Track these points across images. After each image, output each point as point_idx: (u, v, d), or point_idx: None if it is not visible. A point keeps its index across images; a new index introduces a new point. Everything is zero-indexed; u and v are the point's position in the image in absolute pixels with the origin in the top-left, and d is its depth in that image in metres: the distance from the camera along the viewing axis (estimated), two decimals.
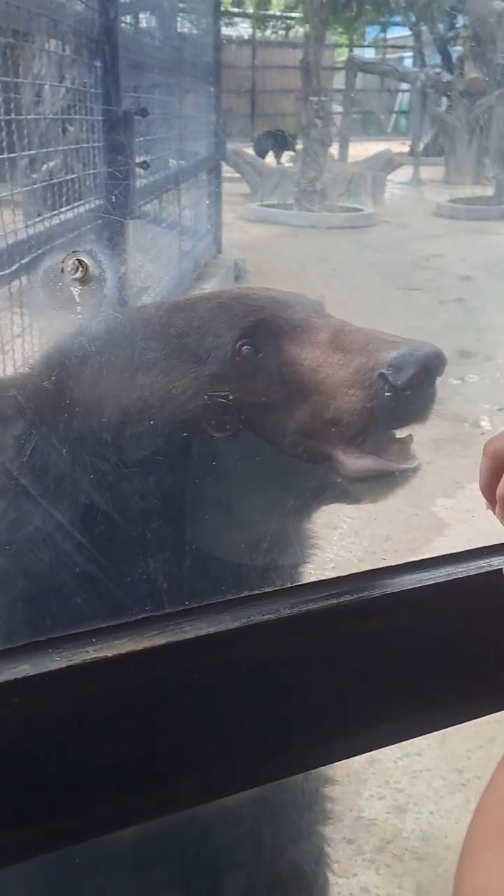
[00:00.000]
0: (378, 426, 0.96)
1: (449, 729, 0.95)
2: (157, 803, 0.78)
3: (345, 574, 0.87)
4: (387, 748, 2.31)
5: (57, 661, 0.72)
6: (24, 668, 0.71)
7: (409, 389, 0.93)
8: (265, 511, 1.01)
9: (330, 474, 0.97)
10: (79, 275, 0.83)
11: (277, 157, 11.79)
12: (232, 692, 0.80)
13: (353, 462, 0.95)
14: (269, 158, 11.70)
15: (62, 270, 0.83)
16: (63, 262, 0.83)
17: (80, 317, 0.86)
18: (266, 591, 0.82)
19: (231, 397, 0.94)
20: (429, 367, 0.94)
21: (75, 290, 0.84)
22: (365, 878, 1.93)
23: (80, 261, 0.83)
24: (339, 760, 0.99)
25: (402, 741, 0.94)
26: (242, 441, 0.96)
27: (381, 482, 0.98)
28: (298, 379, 0.96)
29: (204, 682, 0.77)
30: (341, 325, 1.03)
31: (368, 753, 2.30)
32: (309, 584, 0.85)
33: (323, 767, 1.36)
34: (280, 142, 11.67)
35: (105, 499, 0.85)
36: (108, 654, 0.74)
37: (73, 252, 0.83)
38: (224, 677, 0.79)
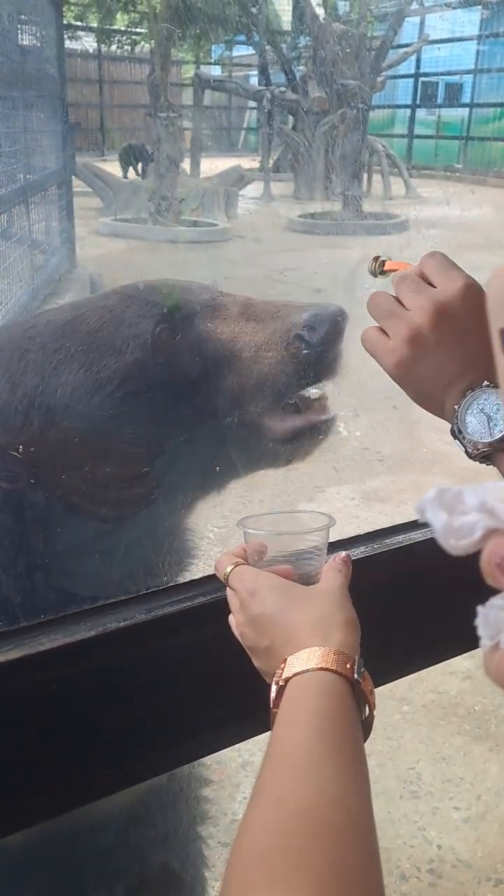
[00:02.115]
0: (298, 385, 1.03)
1: None
2: (17, 815, 0.78)
3: (199, 577, 0.90)
4: (258, 750, 2.36)
5: None
6: None
7: (323, 346, 1.01)
8: (185, 491, 1.04)
9: (261, 442, 1.01)
10: None
11: (142, 169, 11.78)
12: (90, 701, 0.81)
13: (280, 424, 1.01)
14: (130, 172, 11.66)
15: None
16: None
17: None
18: (121, 598, 0.84)
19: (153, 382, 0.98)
20: (339, 323, 1.02)
21: None
22: None
23: None
24: (196, 759, 1.01)
25: (263, 733, 0.97)
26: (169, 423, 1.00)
27: (307, 439, 1.06)
28: (219, 352, 1.03)
29: (61, 693, 0.78)
30: (247, 299, 1.10)
31: (241, 757, 2.34)
32: (164, 588, 0.87)
33: (197, 769, 1.39)
34: (142, 155, 11.66)
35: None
36: None
37: None
38: (81, 687, 0.80)
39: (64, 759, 0.80)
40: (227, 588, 0.84)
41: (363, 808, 0.64)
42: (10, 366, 1.01)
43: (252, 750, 2.35)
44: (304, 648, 0.73)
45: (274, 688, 0.73)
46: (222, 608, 0.86)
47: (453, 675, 2.65)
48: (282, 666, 0.73)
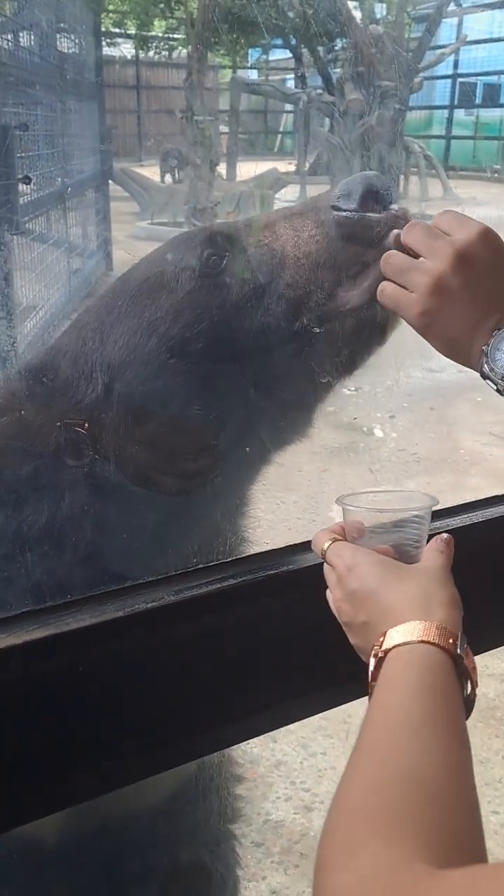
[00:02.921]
0: (355, 255, 0.97)
1: (352, 726, 0.97)
2: (43, 799, 0.77)
3: (228, 559, 0.88)
4: (291, 750, 2.33)
5: None
6: None
7: (363, 206, 0.96)
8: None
9: (341, 325, 0.98)
10: None
11: (179, 174, 11.88)
12: (118, 682, 0.79)
13: (353, 294, 0.97)
14: (166, 177, 11.74)
15: None
16: None
17: None
18: (149, 579, 0.82)
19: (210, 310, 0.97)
20: (372, 182, 0.97)
21: None
22: (274, 880, 1.94)
23: None
24: (231, 745, 0.99)
25: (294, 722, 0.95)
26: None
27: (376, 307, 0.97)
28: (268, 256, 1.00)
29: (89, 673, 0.76)
30: (276, 210, 1.09)
31: (274, 756, 2.32)
32: (193, 569, 0.85)
33: (230, 766, 1.36)
34: (179, 159, 11.76)
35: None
36: None
37: None
38: (109, 667, 0.78)
39: (91, 742, 0.78)
40: (325, 564, 0.84)
41: (468, 778, 0.64)
42: (71, 341, 1.02)
43: (285, 750, 2.32)
44: (405, 622, 0.72)
45: (372, 660, 0.72)
46: (251, 590, 0.84)
47: (492, 677, 2.60)
48: (381, 639, 0.73)
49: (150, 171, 11.69)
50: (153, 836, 1.14)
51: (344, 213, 0.97)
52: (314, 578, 0.86)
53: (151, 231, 9.33)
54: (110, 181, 8.50)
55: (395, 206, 0.99)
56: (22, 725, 0.74)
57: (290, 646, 0.89)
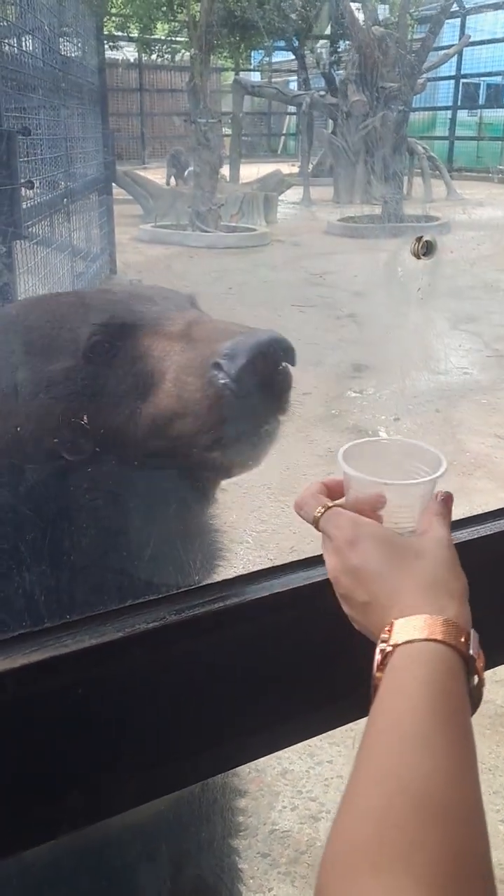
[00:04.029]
0: (228, 420, 0.92)
1: (358, 734, 0.95)
2: (42, 824, 0.75)
3: (229, 577, 0.86)
4: (297, 758, 2.32)
5: None
6: None
7: (245, 378, 0.89)
8: (148, 508, 0.98)
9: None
10: None
11: (182, 176, 11.89)
12: (118, 704, 0.77)
13: (213, 447, 0.92)
14: (161, 178, 11.75)
15: None
16: None
17: None
18: (150, 598, 0.80)
19: (83, 395, 0.92)
20: (263, 354, 0.89)
21: None
22: (280, 891, 1.92)
23: None
24: (232, 767, 0.97)
25: (299, 741, 0.93)
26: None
27: (240, 447, 0.94)
28: (148, 371, 0.93)
29: (88, 695, 0.75)
30: (197, 317, 1.01)
31: (280, 765, 2.30)
32: (193, 588, 0.83)
33: (232, 780, 1.34)
34: (182, 162, 11.77)
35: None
36: None
37: None
38: (109, 690, 0.77)
39: (89, 765, 0.77)
40: (318, 530, 0.79)
41: (475, 789, 0.60)
42: None
43: (291, 758, 2.30)
44: (414, 615, 0.69)
45: (379, 654, 0.69)
46: (253, 608, 0.83)
47: (498, 682, 2.57)
48: (388, 629, 0.69)
49: (154, 174, 11.70)
50: (149, 851, 1.12)
51: (221, 381, 0.89)
52: (316, 596, 0.84)
53: (155, 234, 9.34)
54: (114, 184, 8.50)
55: (288, 367, 0.93)
56: (19, 749, 0.73)
57: (292, 664, 0.87)
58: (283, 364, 0.93)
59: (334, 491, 0.84)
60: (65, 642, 0.75)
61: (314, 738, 2.43)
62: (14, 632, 0.73)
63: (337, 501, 0.82)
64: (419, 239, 0.88)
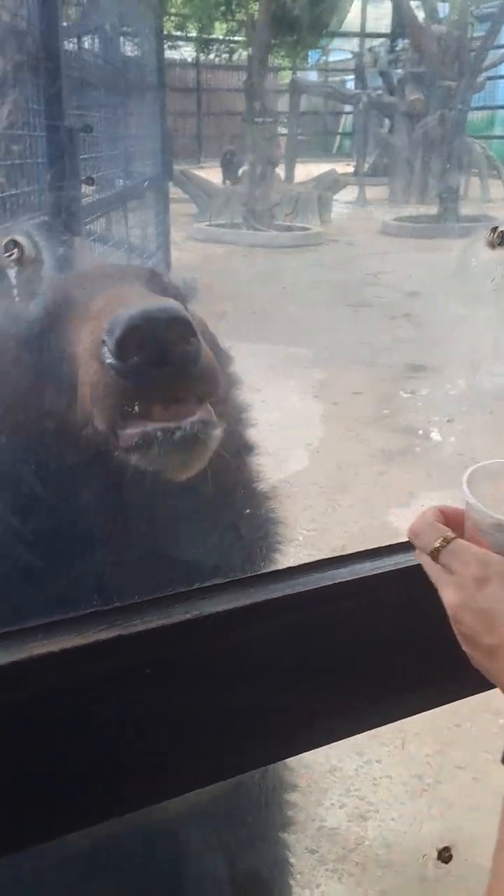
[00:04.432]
0: (125, 396, 0.81)
1: (407, 734, 0.94)
2: (109, 804, 0.76)
3: (298, 564, 0.86)
4: (346, 756, 2.31)
5: (1, 656, 0.70)
6: None
7: (125, 354, 0.79)
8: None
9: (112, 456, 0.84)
10: (14, 256, 0.81)
11: (237, 175, 11.94)
12: (186, 685, 0.78)
13: (123, 433, 0.82)
14: (217, 178, 11.82)
15: None
16: None
17: (17, 299, 0.83)
18: (217, 582, 0.81)
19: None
20: (140, 326, 0.78)
21: (11, 272, 0.81)
22: (328, 888, 1.91)
23: (15, 241, 0.81)
24: (284, 758, 0.97)
25: (370, 729, 0.92)
26: None
27: (161, 449, 0.82)
28: (71, 357, 0.86)
29: (156, 675, 0.75)
30: (118, 291, 0.90)
31: (328, 762, 2.29)
32: (261, 574, 0.84)
33: (283, 772, 1.34)
34: (238, 161, 11.82)
35: (48, 489, 0.82)
36: (55, 650, 0.72)
37: (8, 233, 0.80)
38: (177, 670, 0.77)
39: (159, 745, 0.77)
40: (436, 562, 0.74)
41: None
42: None
43: (340, 755, 2.29)
44: None
45: None
46: (320, 594, 0.82)
47: None
48: None
49: (209, 173, 11.76)
50: (196, 841, 1.13)
51: (107, 360, 0.80)
52: (381, 587, 0.84)
53: (209, 232, 9.39)
54: (170, 183, 8.56)
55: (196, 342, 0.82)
56: (88, 726, 0.74)
57: (353, 655, 0.87)
58: (184, 337, 0.82)
59: (452, 519, 0.79)
60: (133, 622, 0.75)
61: (363, 738, 2.42)
62: (85, 610, 0.74)
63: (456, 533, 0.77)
64: (495, 229, 0.86)
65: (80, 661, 0.72)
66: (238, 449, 1.04)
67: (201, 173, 10.94)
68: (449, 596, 0.74)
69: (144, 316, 0.79)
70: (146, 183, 6.75)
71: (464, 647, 0.74)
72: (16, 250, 0.83)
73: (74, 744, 0.73)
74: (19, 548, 0.81)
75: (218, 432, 0.87)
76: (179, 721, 0.79)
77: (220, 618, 0.78)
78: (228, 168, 12.08)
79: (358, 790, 2.21)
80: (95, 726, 0.74)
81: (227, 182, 11.97)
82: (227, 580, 0.83)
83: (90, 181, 3.93)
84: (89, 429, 0.85)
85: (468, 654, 0.74)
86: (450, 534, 0.76)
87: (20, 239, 0.83)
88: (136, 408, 0.82)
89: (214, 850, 1.16)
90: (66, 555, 0.84)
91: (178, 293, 1.04)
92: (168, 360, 0.81)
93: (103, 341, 0.80)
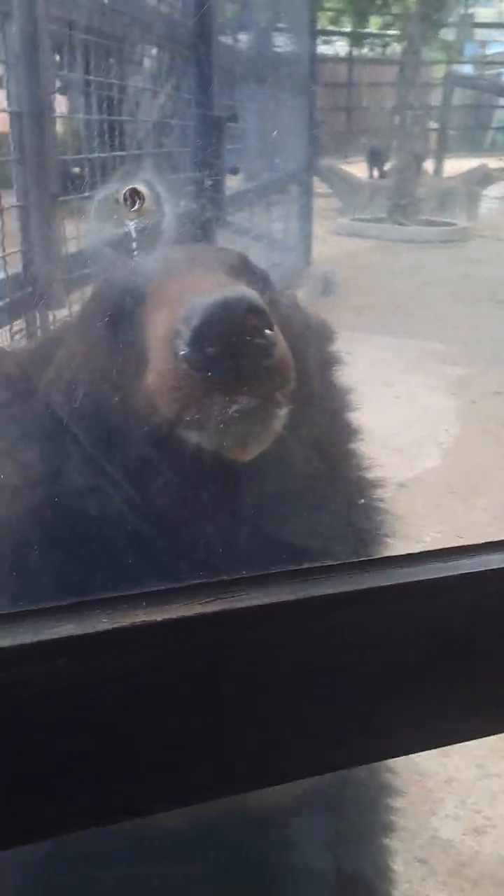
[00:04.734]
0: (190, 396, 0.79)
1: None
2: (200, 787, 0.74)
3: (415, 552, 0.81)
4: (465, 767, 2.21)
5: (104, 623, 0.69)
6: (69, 628, 0.68)
7: (201, 345, 0.76)
8: None
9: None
10: (136, 207, 0.79)
11: (383, 170, 11.80)
12: (289, 667, 0.74)
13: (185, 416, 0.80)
14: (362, 172, 11.71)
15: (117, 201, 0.79)
16: (118, 193, 0.79)
17: (135, 253, 0.82)
18: (329, 563, 0.77)
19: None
20: (220, 316, 0.75)
21: (131, 224, 0.79)
22: None
23: (136, 192, 0.79)
24: (380, 759, 0.92)
25: (467, 740, 0.86)
26: None
27: (220, 427, 0.79)
28: (143, 343, 0.84)
29: (258, 653, 0.72)
30: (196, 276, 0.88)
31: (445, 772, 2.21)
32: (377, 559, 0.79)
33: (386, 776, 1.29)
34: (384, 156, 11.69)
35: (160, 451, 0.80)
36: (158, 619, 0.70)
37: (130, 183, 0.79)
38: (280, 650, 0.74)
39: (259, 725, 0.75)
40: None
41: None
42: None
43: (458, 766, 2.20)
44: None
45: None
46: (440, 585, 0.77)
47: None
48: None
49: (356, 168, 11.64)
50: (296, 832, 1.09)
51: (181, 352, 0.77)
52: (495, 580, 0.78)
53: (352, 227, 9.29)
54: (315, 177, 8.54)
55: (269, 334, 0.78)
56: (186, 699, 0.72)
57: (470, 651, 0.81)
58: (258, 330, 0.79)
59: None
60: (240, 597, 0.73)
61: (484, 749, 2.31)
62: (191, 581, 0.73)
63: None
64: None
65: (181, 633, 0.70)
66: (337, 433, 0.99)
67: (347, 168, 10.85)
68: None
69: (222, 306, 0.76)
70: (290, 176, 6.76)
71: None
72: (138, 201, 0.81)
73: (172, 714, 0.72)
74: (128, 512, 0.80)
75: (282, 412, 0.83)
76: (271, 703, 0.76)
77: (327, 601, 0.75)
78: (375, 162, 11.93)
79: (475, 803, 2.11)
80: (195, 698, 0.72)
81: (373, 176, 11.82)
82: (336, 562, 0.79)
83: (235, 170, 3.96)
84: (155, 416, 0.84)
85: None
86: None
87: (142, 189, 0.82)
88: (202, 398, 0.80)
89: (315, 843, 1.12)
90: (176, 522, 0.83)
91: (264, 278, 1.01)
92: (243, 353, 0.78)
93: (177, 330, 0.78)
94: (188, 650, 0.72)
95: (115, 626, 0.69)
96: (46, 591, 0.78)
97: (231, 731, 0.74)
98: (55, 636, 0.67)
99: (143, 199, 0.81)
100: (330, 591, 0.75)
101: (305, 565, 0.78)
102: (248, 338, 0.78)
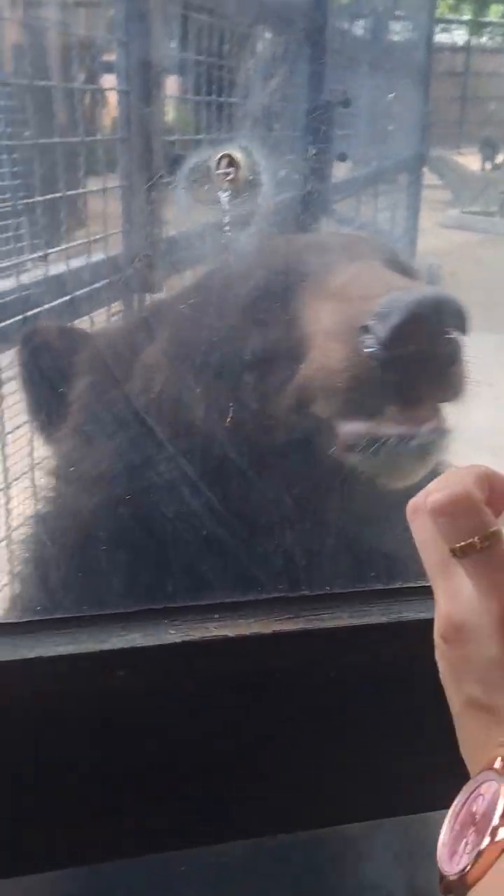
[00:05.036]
0: (375, 391, 0.73)
1: None
2: (280, 813, 0.68)
3: None
4: None
5: (172, 635, 0.63)
6: (134, 638, 0.63)
7: (396, 343, 0.70)
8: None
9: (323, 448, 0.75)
10: (230, 176, 0.72)
11: (494, 162, 11.44)
12: (375, 698, 0.67)
13: (345, 426, 0.74)
14: (477, 164, 11.37)
15: (210, 169, 0.72)
16: (211, 160, 0.72)
17: (226, 228, 0.75)
18: (422, 584, 0.69)
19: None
20: (423, 315, 0.70)
21: (223, 195, 0.72)
22: None
23: (231, 158, 0.72)
24: None
25: None
26: None
27: (390, 457, 0.72)
28: (297, 336, 0.78)
29: (340, 680, 0.65)
30: (365, 269, 0.81)
31: None
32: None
33: None
34: (498, 147, 11.34)
35: (242, 451, 0.74)
36: (231, 634, 0.64)
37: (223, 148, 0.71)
38: (365, 678, 0.67)
39: (327, 758, 0.68)
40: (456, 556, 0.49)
41: None
42: None
43: None
44: None
45: (485, 840, 0.43)
46: None
47: None
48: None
49: (469, 160, 11.29)
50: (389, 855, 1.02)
51: (370, 348, 0.70)
52: None
53: (461, 219, 9.00)
54: (425, 168, 8.32)
55: (456, 335, 0.72)
56: (236, 727, 0.65)
57: None
58: (450, 332, 0.73)
59: (500, 493, 0.53)
60: (321, 616, 0.66)
61: None
62: (269, 594, 0.66)
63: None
64: None
65: (256, 651, 0.64)
66: None
67: (460, 159, 10.55)
68: (460, 604, 0.50)
69: (426, 305, 0.71)
70: (400, 165, 6.60)
71: (445, 680, 0.52)
72: (232, 169, 0.74)
73: (242, 736, 0.66)
74: (205, 515, 0.74)
75: (448, 441, 0.77)
76: (357, 734, 0.69)
77: (422, 625, 0.67)
78: (488, 154, 11.59)
79: None
80: (265, 720, 0.66)
81: (486, 168, 11.48)
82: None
83: (343, 157, 3.86)
84: (299, 414, 0.78)
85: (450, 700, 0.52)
86: (496, 528, 0.49)
87: (237, 155, 0.74)
88: (373, 402, 0.74)
89: (385, 860, 1.05)
90: (257, 529, 0.76)
91: (420, 276, 0.95)
92: (435, 356, 0.73)
93: (367, 326, 0.72)
94: (262, 671, 0.65)
95: (185, 639, 0.63)
96: (112, 595, 0.73)
97: (309, 765, 0.68)
98: (118, 646, 0.62)
99: (239, 166, 0.73)
100: (423, 615, 0.67)
101: (398, 584, 0.70)
102: (443, 341, 0.73)
